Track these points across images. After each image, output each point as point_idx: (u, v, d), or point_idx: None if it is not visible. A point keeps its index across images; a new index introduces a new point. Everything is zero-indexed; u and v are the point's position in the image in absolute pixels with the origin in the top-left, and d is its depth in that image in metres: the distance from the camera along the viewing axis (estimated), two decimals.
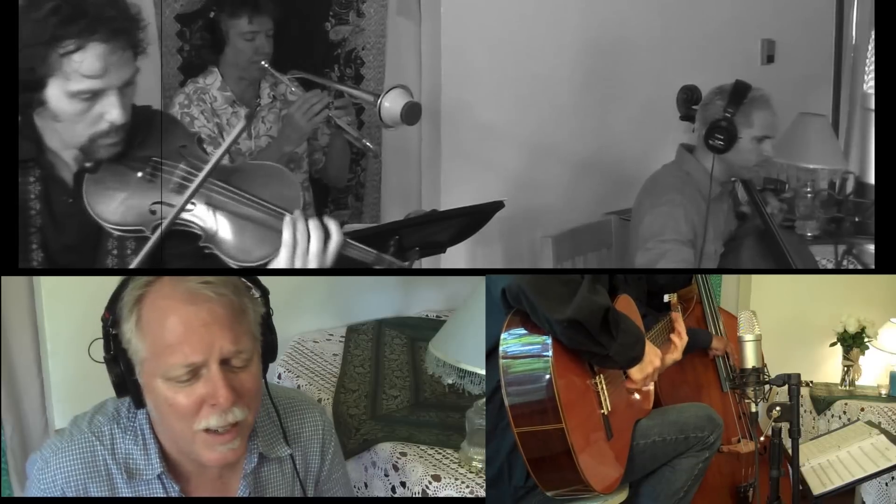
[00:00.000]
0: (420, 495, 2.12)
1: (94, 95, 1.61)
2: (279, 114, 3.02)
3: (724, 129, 2.73)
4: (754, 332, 2.11)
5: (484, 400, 2.05)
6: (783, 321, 3.15)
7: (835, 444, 2.38)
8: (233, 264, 1.70)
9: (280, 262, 1.70)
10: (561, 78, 3.55)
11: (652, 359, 1.95)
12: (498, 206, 2.15)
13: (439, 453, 2.22)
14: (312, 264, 1.70)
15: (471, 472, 2.13)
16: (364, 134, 3.30)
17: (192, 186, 1.65)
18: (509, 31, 3.39)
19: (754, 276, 3.17)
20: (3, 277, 2.23)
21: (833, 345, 3.16)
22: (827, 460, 2.31)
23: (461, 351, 2.09)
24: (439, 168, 3.37)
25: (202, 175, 1.65)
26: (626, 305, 2.04)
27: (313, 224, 1.70)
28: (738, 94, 2.75)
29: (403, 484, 2.18)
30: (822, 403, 2.98)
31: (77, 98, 1.61)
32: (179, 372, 1.38)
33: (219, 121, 2.88)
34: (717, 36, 3.91)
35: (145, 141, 1.72)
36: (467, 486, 2.08)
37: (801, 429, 3.00)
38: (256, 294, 1.52)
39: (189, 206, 1.68)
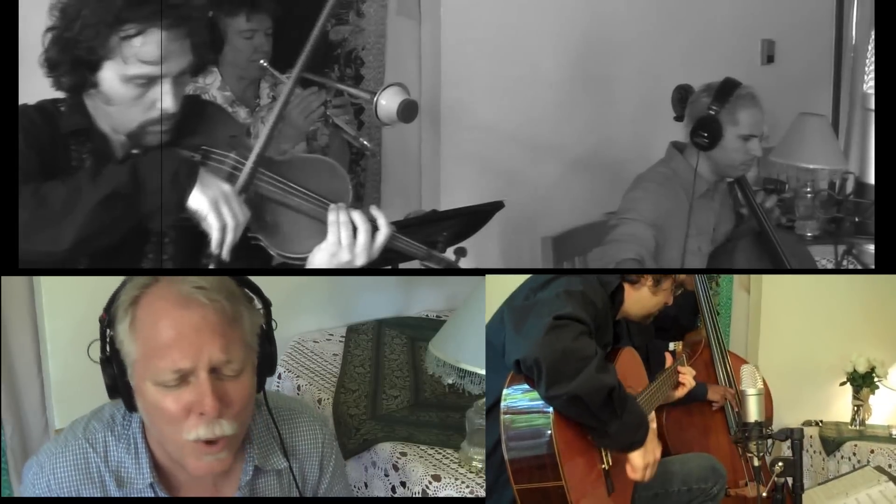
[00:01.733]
0: (420, 495, 2.12)
1: (149, 81, 1.61)
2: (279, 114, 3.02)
3: (708, 125, 2.70)
4: (757, 387, 2.07)
5: (484, 400, 2.06)
6: (793, 361, 3.13)
7: (843, 490, 2.33)
8: (278, 256, 1.71)
9: (324, 252, 1.69)
10: (561, 78, 3.56)
11: (654, 448, 1.86)
12: (498, 206, 2.16)
13: (439, 453, 2.22)
14: (360, 257, 1.70)
15: (471, 472, 2.13)
16: (364, 134, 3.30)
17: (243, 175, 1.65)
18: (509, 31, 3.39)
19: (763, 318, 3.14)
20: (3, 277, 2.23)
21: (843, 384, 3.13)
22: None
23: (461, 351, 2.08)
24: (439, 168, 3.37)
25: (250, 163, 1.65)
26: (630, 359, 2.02)
27: (359, 216, 1.70)
28: (724, 91, 2.73)
29: (403, 484, 2.18)
30: (832, 445, 2.95)
31: (132, 83, 1.60)
32: (168, 377, 1.36)
33: (223, 106, 2.88)
34: (716, 36, 3.92)
35: (195, 130, 1.72)
36: (467, 486, 2.08)
37: (812, 470, 3.01)
38: (258, 305, 1.49)
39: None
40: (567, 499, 1.73)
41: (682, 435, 2.47)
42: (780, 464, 1.96)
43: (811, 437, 3.06)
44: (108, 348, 1.43)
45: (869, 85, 4.23)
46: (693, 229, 2.76)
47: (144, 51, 1.58)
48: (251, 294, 1.49)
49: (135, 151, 1.67)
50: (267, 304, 1.51)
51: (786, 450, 3.12)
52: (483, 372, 1.99)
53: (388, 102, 1.89)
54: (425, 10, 3.33)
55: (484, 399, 2.05)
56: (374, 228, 1.71)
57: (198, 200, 1.60)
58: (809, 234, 3.78)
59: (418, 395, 2.57)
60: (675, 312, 2.70)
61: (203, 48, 1.68)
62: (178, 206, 1.60)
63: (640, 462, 1.83)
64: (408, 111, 1.90)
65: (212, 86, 2.93)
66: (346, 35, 3.45)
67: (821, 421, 3.15)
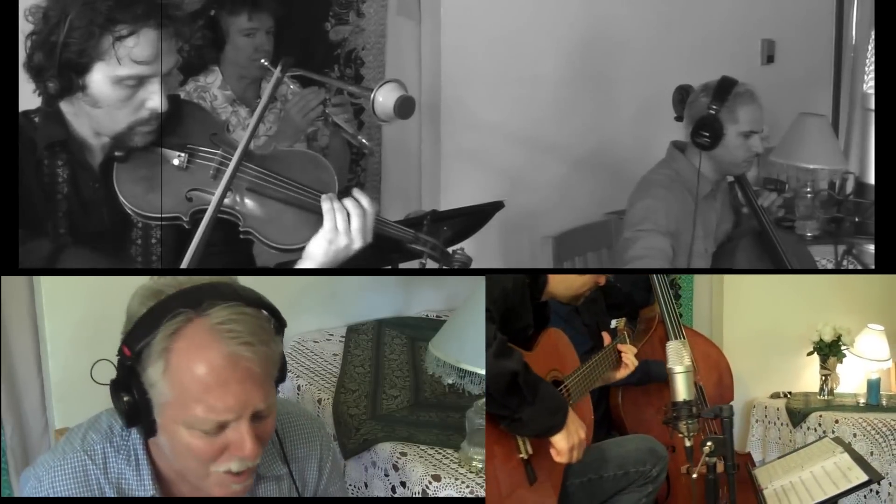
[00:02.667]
0: (420, 495, 2.12)
1: (139, 82, 1.61)
2: (279, 114, 3.02)
3: (708, 125, 2.70)
4: (684, 363, 2.01)
5: (484, 400, 2.05)
6: (760, 331, 3.12)
7: (800, 463, 2.31)
8: (272, 248, 1.72)
9: (321, 240, 1.71)
10: (561, 78, 3.56)
11: (577, 429, 1.82)
12: (498, 206, 2.16)
13: (439, 453, 2.22)
14: (357, 240, 1.72)
15: (471, 472, 2.12)
16: (363, 133, 3.30)
17: (228, 171, 1.65)
18: (509, 31, 3.39)
19: (726, 287, 3.13)
20: (3, 277, 2.23)
21: (810, 354, 3.13)
22: (790, 482, 2.24)
23: (461, 351, 2.08)
24: (439, 168, 3.37)
25: (236, 157, 1.66)
26: (555, 339, 1.98)
27: (350, 202, 1.72)
28: (723, 89, 2.72)
29: (403, 484, 2.18)
30: (798, 416, 2.95)
31: (122, 84, 1.60)
32: (208, 426, 1.34)
33: (201, 104, 2.88)
34: (716, 36, 3.92)
35: (175, 129, 1.72)
36: (467, 486, 2.08)
37: (780, 443, 3.00)
38: (275, 326, 1.46)
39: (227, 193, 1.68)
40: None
41: (640, 415, 2.45)
42: (710, 443, 1.88)
43: (778, 409, 3.06)
44: (128, 381, 1.37)
45: (869, 85, 4.23)
46: (699, 230, 2.76)
47: (137, 51, 1.58)
48: (271, 316, 1.45)
49: (117, 154, 1.67)
50: (283, 324, 1.47)
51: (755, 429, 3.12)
52: (483, 372, 1.99)
53: (384, 99, 1.89)
54: (425, 10, 3.33)
55: (484, 399, 2.05)
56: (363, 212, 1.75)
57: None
58: (809, 234, 3.78)
59: (418, 395, 2.57)
60: (628, 289, 2.69)
61: (203, 47, 1.68)
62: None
63: (564, 445, 1.79)
64: (405, 107, 1.90)
65: (213, 85, 2.94)
66: (346, 35, 3.45)
67: (789, 392, 3.17)
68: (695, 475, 1.90)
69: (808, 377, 3.21)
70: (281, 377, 1.49)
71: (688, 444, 1.93)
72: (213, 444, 1.35)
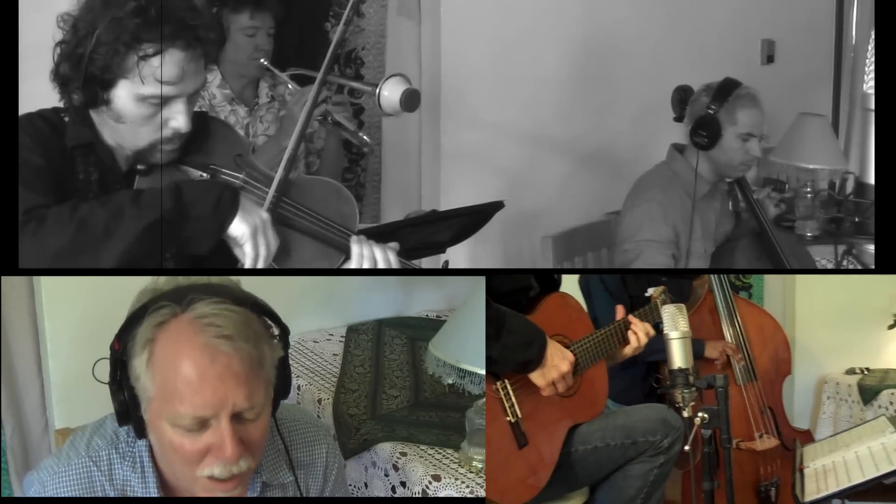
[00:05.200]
0: (420, 495, 2.12)
1: (163, 101, 1.60)
2: (277, 114, 3.02)
3: (707, 124, 2.69)
4: (680, 329, 1.89)
5: (484, 400, 2.05)
6: (835, 305, 2.96)
7: (848, 442, 2.19)
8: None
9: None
10: (561, 77, 3.56)
11: (557, 363, 1.79)
12: (498, 206, 2.15)
13: (439, 453, 2.22)
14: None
15: (471, 472, 2.12)
16: (363, 132, 3.30)
17: (267, 202, 1.66)
18: (509, 31, 3.39)
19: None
20: (3, 277, 2.23)
21: (891, 327, 2.97)
22: (832, 461, 2.11)
23: (461, 351, 2.08)
24: (439, 168, 3.37)
25: (272, 190, 1.67)
26: (563, 303, 1.95)
27: (380, 253, 1.72)
28: (724, 91, 2.72)
29: (403, 484, 2.18)
30: (869, 393, 2.84)
31: (146, 102, 1.60)
32: (187, 421, 1.32)
33: (228, 123, 2.88)
34: (717, 36, 3.92)
35: (200, 147, 1.71)
36: (467, 486, 2.08)
37: (851, 421, 2.86)
38: (276, 332, 1.46)
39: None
40: None
41: None
42: (703, 414, 1.78)
43: (849, 385, 2.95)
44: (118, 376, 1.38)
45: (869, 85, 4.23)
46: (698, 231, 2.76)
47: (163, 71, 1.57)
48: (269, 321, 1.45)
49: (140, 167, 1.66)
50: (285, 331, 1.48)
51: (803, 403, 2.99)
52: (483, 372, 1.99)
53: (390, 93, 1.90)
54: (425, 10, 3.33)
55: (484, 399, 2.05)
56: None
57: (239, 228, 1.59)
58: (809, 234, 3.78)
59: (418, 395, 2.57)
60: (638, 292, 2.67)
61: (214, 49, 1.67)
62: (218, 231, 1.58)
63: (541, 381, 1.78)
64: (411, 100, 1.91)
65: (212, 83, 2.94)
66: (346, 35, 3.45)
67: (867, 369, 3.03)
68: (687, 447, 1.80)
69: (889, 352, 3.05)
70: (282, 388, 1.49)
71: (685, 414, 1.84)
72: (196, 443, 1.34)
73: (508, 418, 1.79)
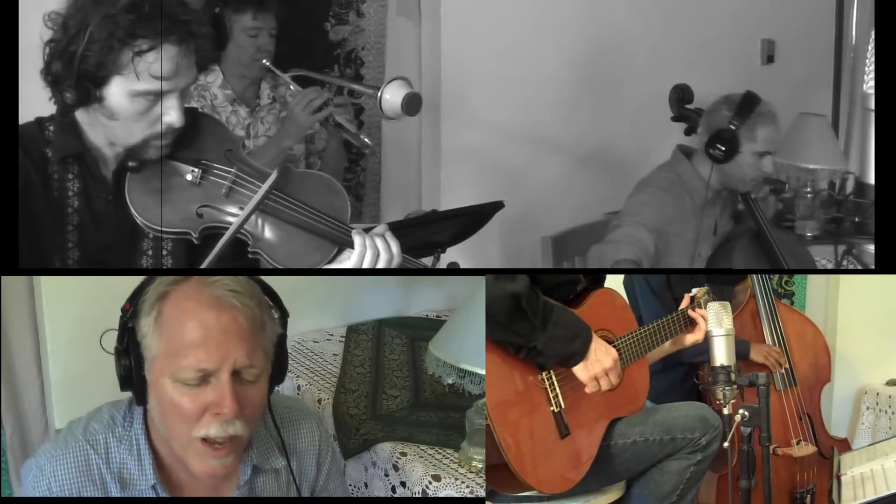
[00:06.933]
0: (420, 495, 2.12)
1: (156, 97, 1.60)
2: (278, 115, 3.02)
3: (726, 140, 2.66)
4: (724, 326, 1.92)
5: (484, 400, 2.05)
6: (879, 312, 2.92)
7: (882, 453, 2.19)
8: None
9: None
10: (561, 78, 3.56)
11: (600, 357, 1.82)
12: (498, 206, 2.16)
13: (439, 453, 2.22)
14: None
15: (471, 472, 2.12)
16: (363, 133, 3.30)
17: (249, 207, 1.66)
18: (509, 31, 3.39)
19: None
20: (3, 277, 2.23)
21: None
22: (871, 469, 2.11)
23: (461, 351, 2.08)
24: (439, 168, 3.37)
25: (263, 190, 1.66)
26: (610, 299, 1.96)
27: (381, 243, 1.72)
28: (747, 106, 2.69)
29: (403, 484, 2.18)
30: None
31: (140, 98, 1.60)
32: (190, 375, 1.37)
33: (218, 118, 2.88)
34: (717, 36, 3.91)
35: (191, 143, 1.71)
36: (467, 486, 2.08)
37: (889, 432, 2.79)
38: (276, 314, 1.51)
39: (236, 212, 1.67)
40: (496, 438, 1.70)
41: None
42: (743, 411, 1.80)
43: (890, 396, 2.92)
44: (125, 339, 1.42)
45: (869, 85, 4.22)
46: (699, 235, 2.75)
47: (157, 66, 1.57)
48: (271, 302, 1.50)
49: (131, 164, 1.66)
50: (285, 314, 1.52)
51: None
52: (483, 372, 1.99)
53: (391, 96, 1.90)
54: (425, 10, 3.33)
55: (484, 399, 2.05)
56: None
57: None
58: (809, 234, 3.77)
59: (418, 395, 2.57)
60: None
61: (206, 43, 1.67)
62: None
63: (584, 375, 1.80)
64: (412, 104, 1.91)
65: (213, 84, 2.94)
66: (346, 35, 3.45)
67: None
68: (726, 444, 1.80)
69: None
70: (279, 370, 1.53)
71: (725, 411, 1.86)
72: (196, 400, 1.38)
73: (552, 408, 1.81)
